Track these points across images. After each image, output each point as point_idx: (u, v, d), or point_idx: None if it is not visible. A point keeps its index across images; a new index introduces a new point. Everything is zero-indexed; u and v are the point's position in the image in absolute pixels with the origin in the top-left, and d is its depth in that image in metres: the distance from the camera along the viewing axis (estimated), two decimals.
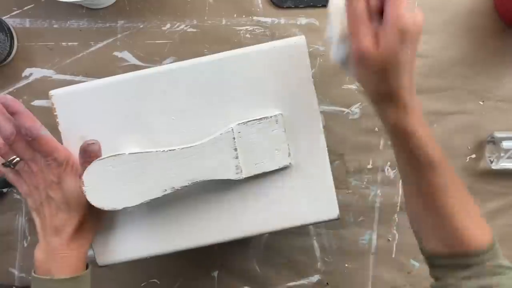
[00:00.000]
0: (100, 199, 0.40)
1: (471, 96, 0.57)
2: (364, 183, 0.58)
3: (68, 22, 0.56)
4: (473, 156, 0.57)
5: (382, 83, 0.37)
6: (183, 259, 0.59)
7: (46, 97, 0.56)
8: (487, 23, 0.56)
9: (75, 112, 0.44)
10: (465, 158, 0.58)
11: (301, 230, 0.58)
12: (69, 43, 0.56)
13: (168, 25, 0.56)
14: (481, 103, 0.57)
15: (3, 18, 0.55)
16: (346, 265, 0.58)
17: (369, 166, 0.57)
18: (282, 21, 0.56)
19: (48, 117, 0.56)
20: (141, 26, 0.56)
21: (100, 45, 0.56)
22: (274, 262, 0.58)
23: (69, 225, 0.42)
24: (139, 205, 0.41)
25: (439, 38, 0.56)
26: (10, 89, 0.56)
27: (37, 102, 0.57)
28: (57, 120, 0.44)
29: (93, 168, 0.40)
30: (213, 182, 0.42)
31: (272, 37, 0.56)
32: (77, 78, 0.56)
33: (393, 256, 0.59)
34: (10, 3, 0.56)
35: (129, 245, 0.45)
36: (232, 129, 0.42)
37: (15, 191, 0.58)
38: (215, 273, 0.59)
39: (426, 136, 0.38)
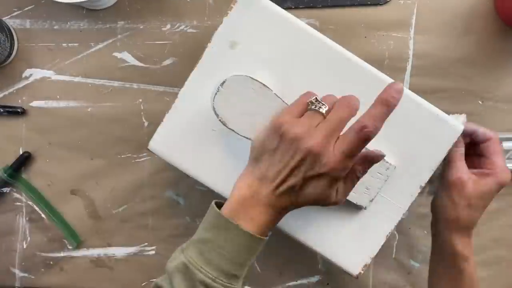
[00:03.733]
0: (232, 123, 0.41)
1: (471, 97, 0.57)
2: None
3: (69, 23, 0.56)
4: None
5: (468, 215, 0.46)
6: None
7: (45, 98, 0.57)
8: (487, 23, 0.56)
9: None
10: None
11: None
12: (70, 44, 0.56)
13: (168, 26, 0.56)
14: (481, 103, 0.57)
15: (4, 18, 0.55)
16: None
17: None
18: None
19: (46, 118, 0.56)
20: (141, 27, 0.56)
21: (100, 45, 0.56)
22: (275, 262, 0.58)
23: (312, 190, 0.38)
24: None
25: (438, 38, 0.56)
26: (10, 90, 0.56)
27: (35, 103, 0.57)
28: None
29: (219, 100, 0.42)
30: None
31: None
32: (76, 79, 0.56)
33: (393, 256, 0.59)
34: (11, 4, 0.56)
35: (191, 156, 0.46)
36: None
37: (15, 190, 0.58)
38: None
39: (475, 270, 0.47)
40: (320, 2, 0.56)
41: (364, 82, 0.45)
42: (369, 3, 0.56)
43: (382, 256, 0.58)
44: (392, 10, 0.56)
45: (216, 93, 0.41)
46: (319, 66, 0.45)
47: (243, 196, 0.38)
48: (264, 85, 0.41)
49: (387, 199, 0.46)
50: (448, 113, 0.56)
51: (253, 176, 0.38)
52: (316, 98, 0.39)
